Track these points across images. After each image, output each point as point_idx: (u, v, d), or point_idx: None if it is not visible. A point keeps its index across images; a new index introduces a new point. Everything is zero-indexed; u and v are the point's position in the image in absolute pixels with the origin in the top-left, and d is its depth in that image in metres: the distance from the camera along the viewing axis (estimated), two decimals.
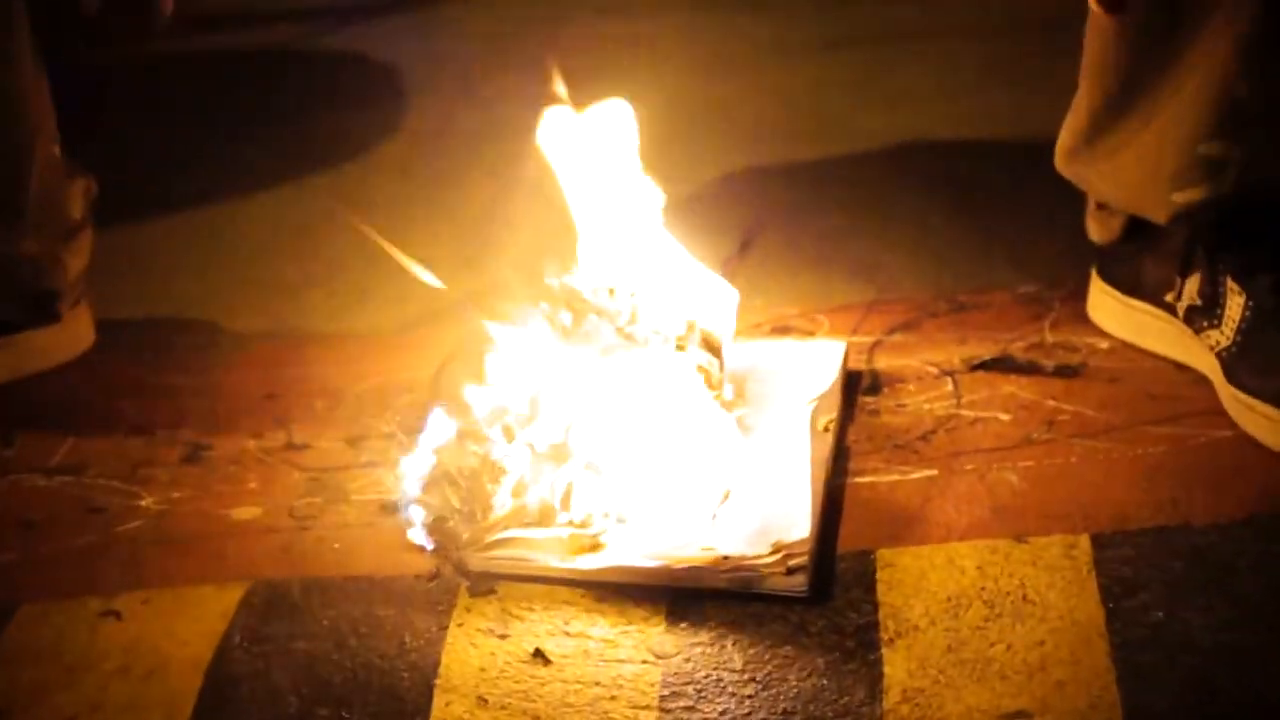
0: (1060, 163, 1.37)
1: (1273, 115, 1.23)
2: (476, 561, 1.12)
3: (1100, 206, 1.39)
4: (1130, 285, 1.36)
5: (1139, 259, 1.35)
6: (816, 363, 1.32)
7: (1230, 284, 1.25)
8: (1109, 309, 1.39)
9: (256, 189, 1.93)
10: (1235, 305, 1.25)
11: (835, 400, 1.28)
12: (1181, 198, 1.27)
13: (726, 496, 1.15)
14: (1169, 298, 1.31)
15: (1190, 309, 1.29)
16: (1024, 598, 1.05)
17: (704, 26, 2.40)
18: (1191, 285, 1.29)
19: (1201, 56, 1.22)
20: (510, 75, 2.05)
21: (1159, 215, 1.30)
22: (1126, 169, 1.31)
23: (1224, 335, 1.25)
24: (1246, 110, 1.23)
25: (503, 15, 2.56)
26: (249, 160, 2.00)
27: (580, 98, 1.23)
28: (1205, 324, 1.27)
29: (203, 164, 2.01)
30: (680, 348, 1.22)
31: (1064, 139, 1.35)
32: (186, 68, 2.36)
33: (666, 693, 1.01)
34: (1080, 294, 1.43)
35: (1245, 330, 1.24)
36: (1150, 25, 1.24)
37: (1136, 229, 1.35)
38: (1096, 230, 1.40)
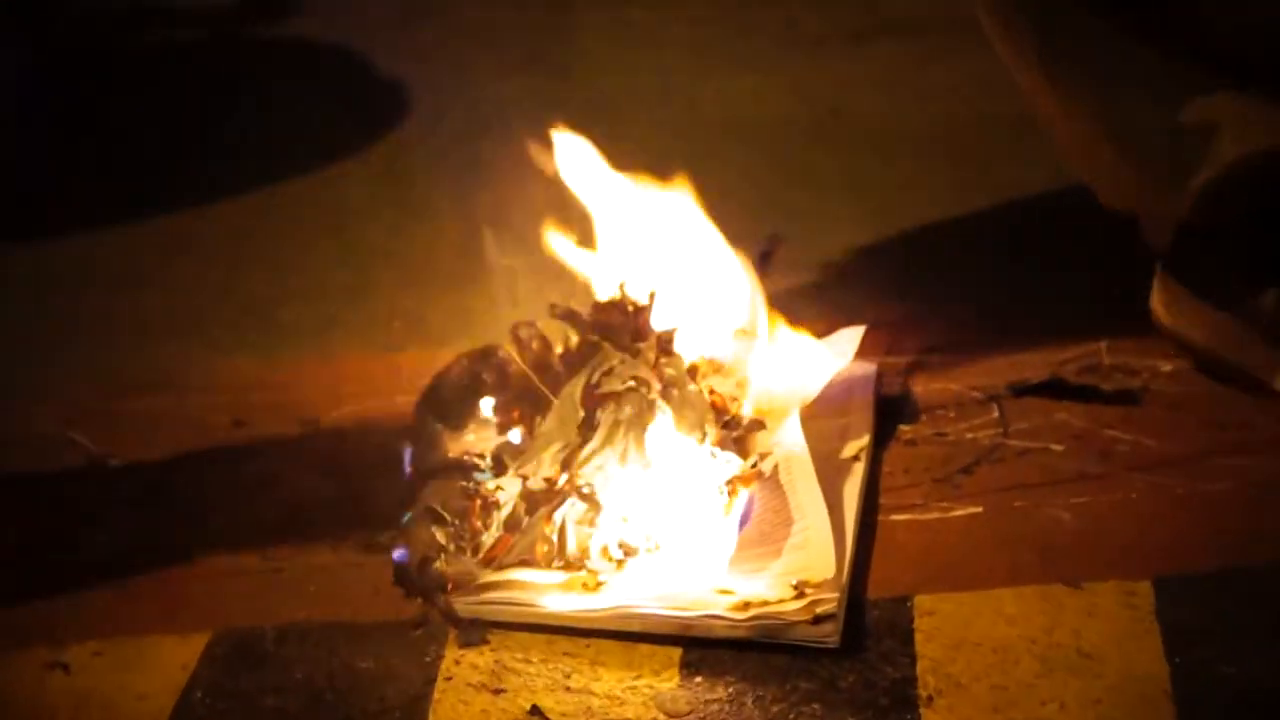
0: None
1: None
2: (466, 607, 1.11)
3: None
4: (1200, 285, 1.35)
5: (1209, 257, 1.34)
6: (837, 355, 1.32)
7: None
8: (1175, 309, 1.37)
9: (225, 196, 1.93)
10: None
11: (866, 426, 1.27)
12: (1197, 181, 1.28)
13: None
14: (1245, 299, 1.31)
15: (1272, 314, 1.28)
16: (1079, 650, 1.05)
17: (715, 17, 2.40)
18: (1272, 294, 1.28)
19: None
20: (508, 70, 2.05)
21: (1182, 209, 1.31)
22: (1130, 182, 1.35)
23: None
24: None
25: (498, 1, 2.56)
26: (215, 165, 2.00)
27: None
28: None
29: (165, 169, 2.01)
30: (694, 372, 1.21)
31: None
32: (140, 65, 2.36)
33: None
34: (1140, 309, 1.42)
35: None
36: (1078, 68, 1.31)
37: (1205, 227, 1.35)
38: (1152, 233, 1.39)
